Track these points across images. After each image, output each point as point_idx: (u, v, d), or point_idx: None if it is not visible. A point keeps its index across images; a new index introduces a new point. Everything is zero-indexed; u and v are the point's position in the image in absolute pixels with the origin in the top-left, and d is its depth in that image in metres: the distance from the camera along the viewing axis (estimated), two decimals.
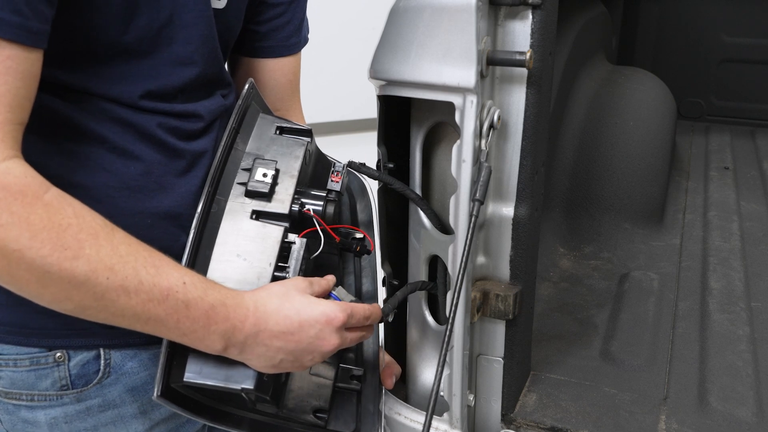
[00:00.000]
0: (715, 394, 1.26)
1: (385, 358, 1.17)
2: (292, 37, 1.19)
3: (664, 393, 1.27)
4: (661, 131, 2.09)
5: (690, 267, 1.78)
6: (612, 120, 2.03)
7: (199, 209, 0.93)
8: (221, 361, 0.87)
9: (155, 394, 0.87)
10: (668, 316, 1.55)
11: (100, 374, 0.96)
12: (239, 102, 1.01)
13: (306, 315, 0.88)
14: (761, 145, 2.68)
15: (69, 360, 0.94)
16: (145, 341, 0.96)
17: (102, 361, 0.96)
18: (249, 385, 0.88)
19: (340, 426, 1.07)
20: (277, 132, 1.04)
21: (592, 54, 2.27)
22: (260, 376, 0.89)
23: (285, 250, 0.94)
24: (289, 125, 1.05)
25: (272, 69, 1.19)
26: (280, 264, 0.93)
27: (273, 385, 0.93)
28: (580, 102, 2.06)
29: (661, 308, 1.58)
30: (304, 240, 0.96)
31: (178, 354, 0.88)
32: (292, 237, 0.95)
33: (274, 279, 0.91)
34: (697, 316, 1.54)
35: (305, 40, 1.23)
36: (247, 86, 1.04)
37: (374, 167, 1.12)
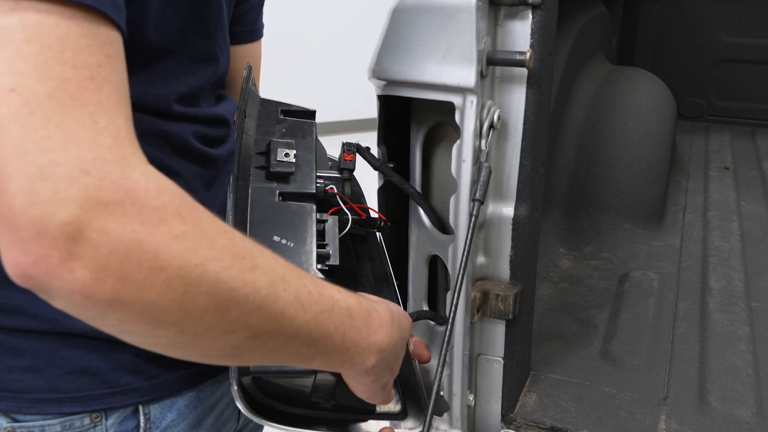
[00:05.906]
0: (715, 394, 1.26)
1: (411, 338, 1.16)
2: (257, 21, 1.16)
3: (664, 393, 1.27)
4: (661, 131, 2.09)
5: (690, 267, 1.78)
6: (612, 120, 2.03)
7: (229, 204, 0.87)
8: None
9: (234, 387, 0.81)
10: (668, 316, 1.55)
11: (141, 431, 0.88)
12: (242, 85, 0.98)
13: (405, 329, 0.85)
14: (761, 145, 2.68)
15: (106, 419, 0.85)
16: (180, 388, 0.91)
17: (141, 416, 0.88)
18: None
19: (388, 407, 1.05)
20: (282, 114, 1.02)
21: (592, 54, 2.27)
22: None
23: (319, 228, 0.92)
24: (292, 107, 1.04)
25: (243, 56, 1.15)
26: (319, 242, 0.90)
27: None
28: (580, 102, 2.06)
29: (661, 308, 1.58)
30: (336, 217, 0.94)
31: None
32: (322, 216, 0.94)
33: (318, 257, 0.88)
34: (697, 316, 1.54)
35: (263, 26, 1.20)
36: (246, 70, 1.01)
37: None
